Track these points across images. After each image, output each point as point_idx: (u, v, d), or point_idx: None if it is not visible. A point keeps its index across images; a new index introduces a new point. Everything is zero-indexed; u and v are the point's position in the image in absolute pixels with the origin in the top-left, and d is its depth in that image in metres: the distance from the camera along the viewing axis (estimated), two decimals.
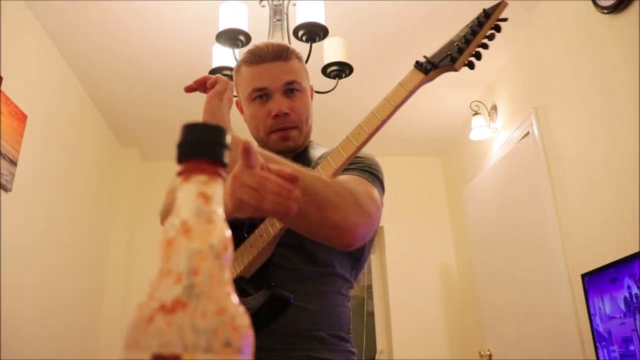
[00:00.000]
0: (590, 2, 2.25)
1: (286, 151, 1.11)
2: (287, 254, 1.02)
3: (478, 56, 0.99)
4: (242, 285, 0.95)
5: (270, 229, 0.93)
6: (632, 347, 1.96)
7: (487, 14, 1.00)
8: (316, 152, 1.17)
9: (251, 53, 1.14)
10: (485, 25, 0.99)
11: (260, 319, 0.90)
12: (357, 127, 0.97)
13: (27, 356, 2.56)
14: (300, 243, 1.03)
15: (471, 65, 1.00)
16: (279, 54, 1.12)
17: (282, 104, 1.10)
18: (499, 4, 1.00)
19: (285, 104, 1.10)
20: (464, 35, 1.00)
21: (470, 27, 1.01)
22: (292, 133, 1.12)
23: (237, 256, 0.96)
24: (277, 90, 1.11)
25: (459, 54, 0.98)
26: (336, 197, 0.87)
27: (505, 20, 0.98)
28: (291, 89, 1.12)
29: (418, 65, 1.02)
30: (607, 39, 2.21)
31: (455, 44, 1.00)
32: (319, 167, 0.96)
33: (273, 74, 1.11)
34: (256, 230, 0.96)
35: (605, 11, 2.16)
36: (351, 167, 1.03)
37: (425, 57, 1.03)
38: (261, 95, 1.11)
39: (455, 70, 1.00)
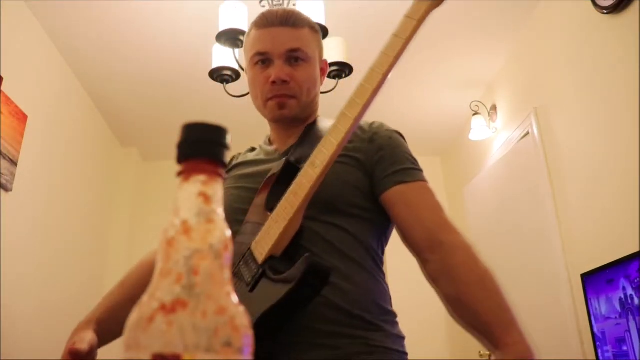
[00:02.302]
0: (590, 2, 2.25)
1: (282, 119, 1.09)
2: (316, 228, 0.94)
3: None
4: (275, 266, 0.87)
5: (294, 197, 0.87)
6: (624, 348, 1.97)
7: None
8: (326, 125, 1.11)
9: (261, 16, 1.10)
10: None
11: (298, 297, 0.81)
12: (369, 71, 0.91)
13: (28, 356, 2.56)
14: (328, 215, 0.97)
15: None
16: (287, 20, 1.08)
17: (282, 70, 1.05)
18: None
19: (286, 71, 1.05)
20: None
21: None
22: (289, 102, 1.06)
23: (262, 236, 0.90)
24: (279, 57, 1.06)
25: None
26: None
27: None
28: (295, 57, 1.06)
29: None
30: (607, 39, 2.21)
31: None
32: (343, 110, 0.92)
33: (277, 39, 1.06)
34: (280, 203, 0.89)
35: (605, 11, 2.16)
36: (404, 166, 1.02)
37: None
38: (263, 60, 1.07)
39: None
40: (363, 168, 1.02)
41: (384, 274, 1.05)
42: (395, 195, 0.99)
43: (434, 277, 0.92)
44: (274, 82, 1.05)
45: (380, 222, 1.03)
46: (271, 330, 0.82)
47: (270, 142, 1.17)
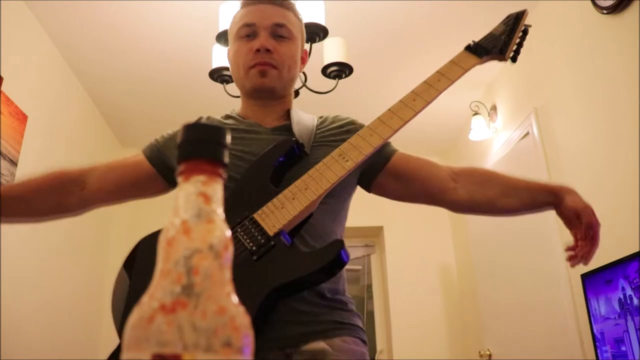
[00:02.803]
0: (590, 2, 2.25)
1: (262, 88, 1.11)
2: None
3: (518, 51, 1.13)
4: (281, 241, 0.92)
5: (319, 183, 0.94)
6: (623, 348, 1.97)
7: (517, 16, 1.16)
8: (306, 117, 1.17)
9: None
10: (518, 26, 1.14)
11: (319, 276, 0.90)
12: (410, 94, 1.03)
13: (28, 356, 2.56)
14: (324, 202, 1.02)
15: (514, 59, 1.13)
16: (276, 0, 1.15)
17: (267, 41, 1.09)
18: (524, 11, 1.17)
19: (270, 42, 1.10)
20: (506, 31, 1.12)
21: (506, 24, 1.15)
22: (271, 71, 1.10)
23: (272, 209, 0.93)
24: (265, 29, 1.11)
25: (506, 46, 1.11)
26: None
27: (529, 26, 1.15)
28: (280, 33, 1.12)
29: (470, 49, 1.11)
30: (607, 39, 2.21)
31: (501, 37, 1.12)
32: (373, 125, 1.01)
33: (264, 13, 1.12)
34: (294, 184, 0.95)
35: (605, 11, 2.16)
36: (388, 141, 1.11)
37: (474, 41, 1.12)
38: (248, 33, 1.12)
39: (504, 59, 1.12)
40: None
41: None
42: (403, 157, 1.16)
43: (470, 193, 1.12)
44: (257, 50, 1.09)
45: (346, 209, 1.14)
46: (276, 302, 0.89)
47: (241, 117, 1.18)
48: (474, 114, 3.44)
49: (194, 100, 3.49)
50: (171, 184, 1.15)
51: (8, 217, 1.08)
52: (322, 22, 2.03)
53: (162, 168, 1.14)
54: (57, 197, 1.11)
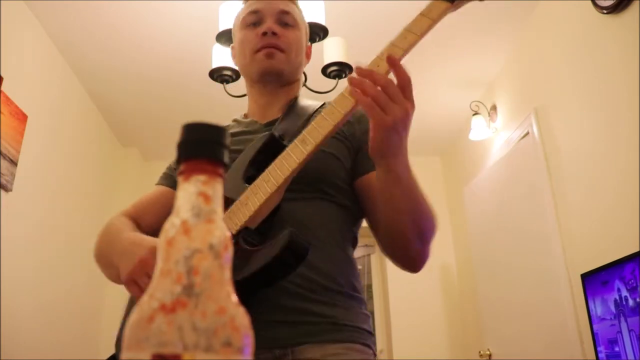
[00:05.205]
0: (590, 2, 2.25)
1: (270, 71, 1.08)
2: (293, 206, 0.93)
3: None
4: (248, 238, 0.85)
5: (279, 172, 0.86)
6: (616, 348, 1.97)
7: None
8: (309, 103, 1.12)
9: None
10: None
11: (276, 271, 0.80)
12: (376, 58, 0.87)
13: (28, 356, 2.56)
14: (307, 192, 0.97)
15: None
16: None
17: (274, 25, 1.08)
18: None
19: (277, 27, 1.09)
20: None
21: None
22: (277, 53, 1.07)
23: (239, 207, 0.88)
24: (271, 16, 1.10)
25: None
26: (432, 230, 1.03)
27: None
28: (285, 20, 1.11)
29: None
30: (607, 39, 2.21)
31: None
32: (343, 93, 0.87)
33: (269, 2, 1.12)
34: (260, 177, 0.88)
35: (605, 11, 2.16)
36: None
37: None
38: (254, 21, 1.10)
39: None
40: (349, 143, 1.03)
41: (353, 253, 1.06)
42: (370, 179, 1.00)
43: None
44: (264, 33, 1.07)
45: (354, 204, 1.04)
46: (247, 299, 0.82)
47: (246, 117, 1.17)
48: (474, 114, 3.44)
49: (194, 100, 3.49)
50: None
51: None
52: (322, 22, 2.03)
53: None
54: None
